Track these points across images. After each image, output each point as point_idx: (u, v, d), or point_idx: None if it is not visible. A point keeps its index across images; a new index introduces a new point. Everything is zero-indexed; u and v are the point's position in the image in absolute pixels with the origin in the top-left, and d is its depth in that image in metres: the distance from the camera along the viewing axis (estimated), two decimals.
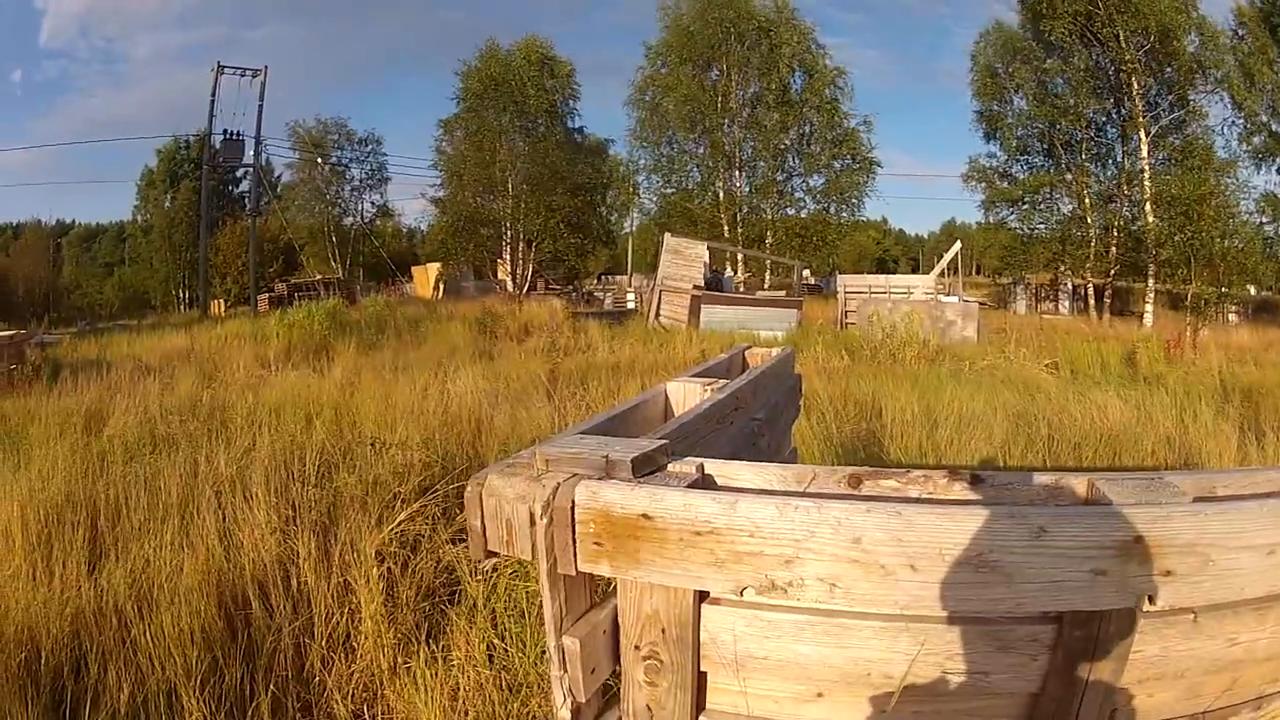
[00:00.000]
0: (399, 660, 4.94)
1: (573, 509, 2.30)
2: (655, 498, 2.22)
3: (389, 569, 5.66)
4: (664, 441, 2.64)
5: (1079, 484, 2.56)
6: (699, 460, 2.61)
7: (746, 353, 5.52)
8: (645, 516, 2.21)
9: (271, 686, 4.69)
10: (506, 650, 4.94)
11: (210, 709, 4.48)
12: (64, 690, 4.62)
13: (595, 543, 2.29)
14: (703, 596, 2.31)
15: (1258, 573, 2.11)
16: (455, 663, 4.85)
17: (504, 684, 4.72)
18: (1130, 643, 2.14)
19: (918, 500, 2.66)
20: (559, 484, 2.35)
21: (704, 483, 2.52)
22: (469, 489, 2.53)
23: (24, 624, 4.94)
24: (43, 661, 4.71)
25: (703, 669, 2.39)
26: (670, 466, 2.54)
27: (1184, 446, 9.92)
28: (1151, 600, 2.05)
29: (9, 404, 13.89)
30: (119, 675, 4.65)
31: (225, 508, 6.43)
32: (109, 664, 4.74)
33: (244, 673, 4.79)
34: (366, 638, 5.07)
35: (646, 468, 2.45)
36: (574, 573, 2.37)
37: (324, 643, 5.08)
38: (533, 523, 2.38)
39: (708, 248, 39.36)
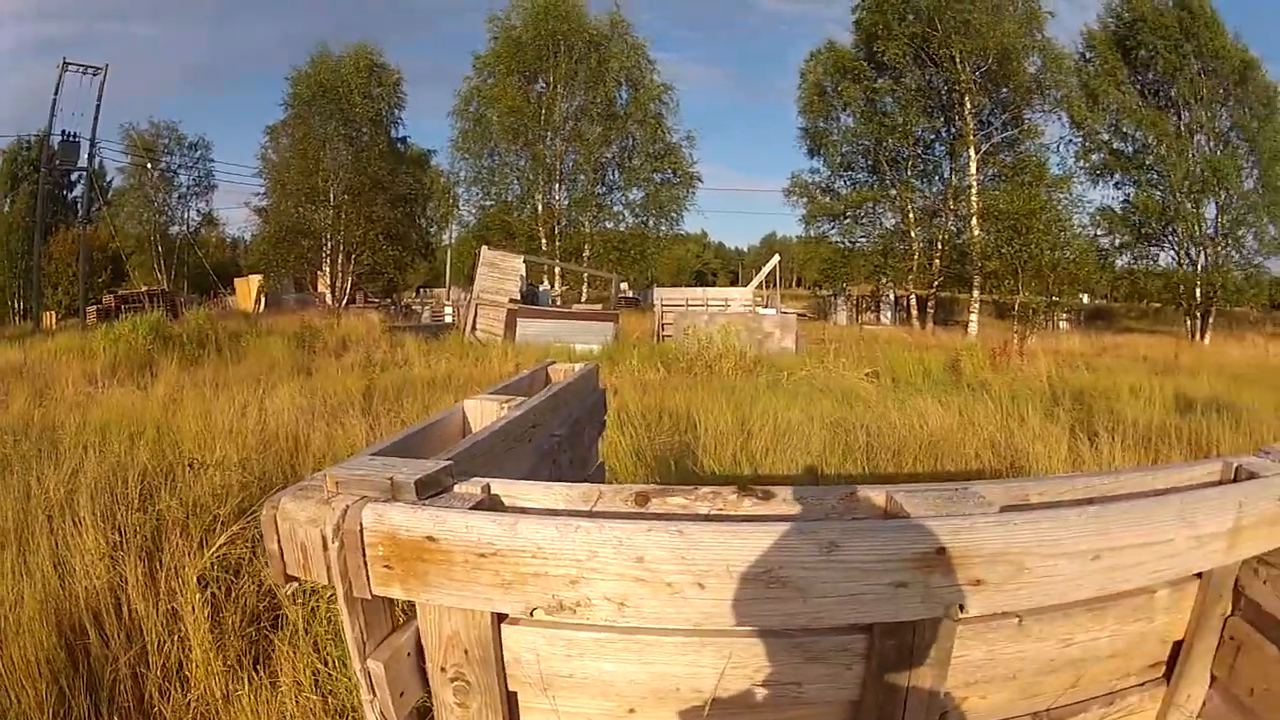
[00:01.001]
0: (231, 689, 4.91)
1: (361, 532, 2.32)
2: (438, 520, 2.25)
3: (213, 594, 5.62)
4: (449, 462, 2.69)
5: (878, 496, 2.62)
6: (485, 480, 2.67)
7: (550, 369, 5.58)
8: (430, 539, 2.24)
9: (116, 718, 4.71)
10: (330, 675, 4.96)
11: None
12: None
13: (385, 565, 2.31)
14: (502, 617, 2.35)
15: (1083, 576, 2.21)
16: (283, 688, 4.85)
17: (331, 709, 4.75)
18: (949, 648, 2.23)
19: (706, 517, 2.72)
20: (347, 507, 2.36)
21: (490, 503, 2.58)
22: (265, 512, 2.50)
23: None
24: None
25: (512, 689, 2.44)
26: (457, 488, 2.59)
27: (1009, 449, 10.19)
28: (962, 609, 2.12)
29: None
30: None
31: (57, 533, 6.38)
32: None
33: (89, 705, 4.75)
34: (198, 666, 5.03)
35: (431, 489, 2.50)
36: (369, 596, 2.38)
37: (159, 672, 5.04)
38: (325, 547, 2.37)
39: (525, 261, 39.29)
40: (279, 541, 2.45)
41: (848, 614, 2.11)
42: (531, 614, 2.24)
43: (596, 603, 2.16)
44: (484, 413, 4.13)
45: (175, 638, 5.21)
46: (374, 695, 2.48)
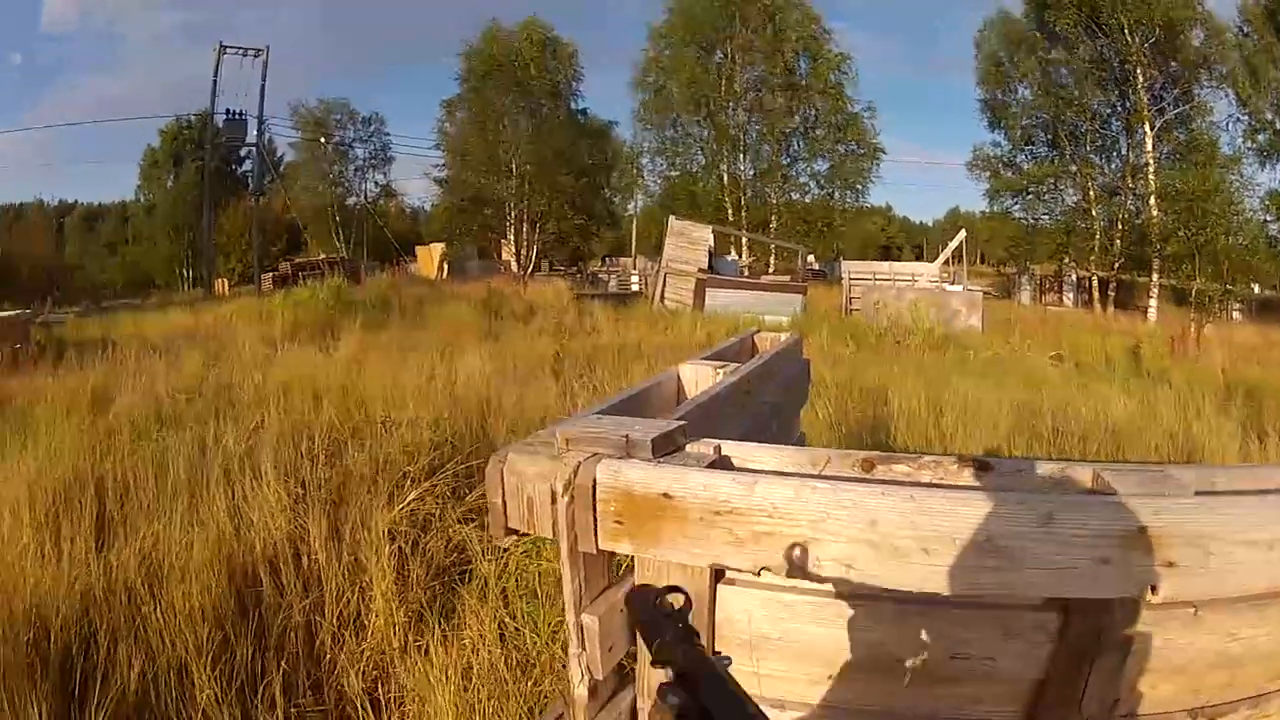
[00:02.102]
0: (410, 639, 4.94)
1: (594, 487, 2.28)
2: (676, 477, 2.21)
3: (399, 548, 5.68)
4: (683, 422, 2.63)
5: (1084, 474, 2.54)
6: (716, 441, 2.61)
7: (755, 337, 5.49)
8: (666, 496, 2.20)
9: (283, 664, 4.71)
10: (518, 629, 4.97)
11: (221, 686, 4.48)
12: (73, 668, 4.61)
13: (616, 521, 2.28)
14: (719, 576, 2.32)
15: (1257, 567, 2.10)
16: (467, 641, 4.86)
17: (515, 663, 4.73)
18: (1133, 633, 2.15)
19: (930, 485, 2.66)
20: (580, 463, 2.33)
21: (722, 463, 2.52)
22: (490, 467, 2.51)
23: (32, 602, 4.94)
24: (51, 640, 4.70)
25: (717, 649, 2.34)
26: (689, 447, 2.54)
27: (1187, 443, 9.97)
28: (1154, 590, 2.03)
29: (14, 384, 13.82)
30: (129, 652, 4.66)
31: (235, 486, 6.46)
32: (119, 642, 4.76)
33: (255, 650, 4.79)
34: (378, 616, 5.08)
35: (666, 448, 2.45)
36: (594, 551, 2.35)
37: (335, 621, 5.10)
38: (554, 501, 2.36)
39: (712, 231, 39.31)
40: (503, 495, 2.49)
41: (1054, 586, 2.06)
42: (759, 572, 2.19)
43: (825, 563, 2.11)
44: (699, 377, 4.12)
45: (356, 588, 5.31)
46: (583, 648, 2.45)
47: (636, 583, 2.38)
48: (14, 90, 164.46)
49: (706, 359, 4.35)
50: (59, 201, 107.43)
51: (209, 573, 5.22)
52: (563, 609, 2.48)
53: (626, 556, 2.42)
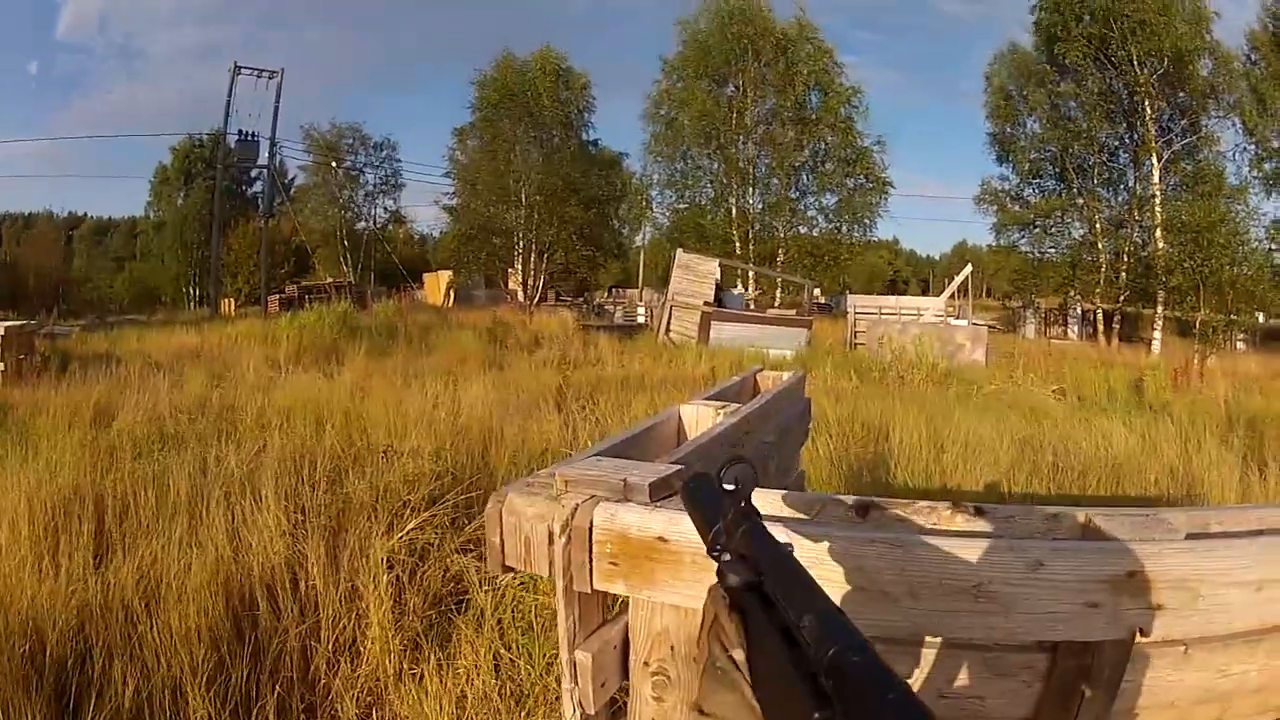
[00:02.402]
0: (405, 666, 4.98)
1: (591, 529, 2.35)
2: (671, 521, 2.26)
3: (397, 576, 5.71)
4: (680, 467, 2.67)
5: (1077, 518, 2.64)
6: None
7: (758, 375, 5.54)
8: (661, 539, 2.26)
9: (277, 688, 4.73)
10: (513, 661, 5.00)
11: (215, 707, 4.50)
12: (68, 682, 4.63)
13: (611, 562, 2.34)
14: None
15: (1247, 607, 2.15)
16: (461, 671, 4.89)
17: (509, 693, 4.76)
18: (1122, 672, 2.16)
19: (922, 531, 2.71)
20: (578, 505, 2.40)
21: None
22: (490, 506, 2.57)
23: (29, 614, 4.97)
24: (47, 653, 4.73)
25: None
26: None
27: (1187, 477, 9.97)
28: (1143, 633, 2.08)
29: (17, 394, 13.93)
30: (124, 670, 4.68)
31: (234, 508, 6.48)
32: (114, 658, 4.78)
33: (250, 672, 4.81)
34: (373, 642, 5.11)
35: (663, 491, 2.48)
36: (589, 590, 2.41)
37: (330, 646, 5.12)
38: (551, 541, 2.42)
39: (719, 264, 39.44)
40: (501, 534, 2.56)
41: (1043, 630, 2.11)
42: None
43: None
44: (699, 418, 4.16)
45: (353, 615, 5.34)
46: (575, 684, 2.50)
47: (630, 622, 2.42)
48: (29, 100, 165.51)
49: (708, 399, 4.39)
50: (68, 214, 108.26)
51: (206, 594, 5.24)
52: (557, 642, 2.52)
53: (621, 596, 2.44)
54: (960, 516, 2.78)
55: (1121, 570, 2.05)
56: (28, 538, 5.96)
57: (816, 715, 0.84)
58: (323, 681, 4.93)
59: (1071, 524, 2.65)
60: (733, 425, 3.70)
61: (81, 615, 5.11)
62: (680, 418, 4.18)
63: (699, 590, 2.00)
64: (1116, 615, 2.06)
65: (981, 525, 2.74)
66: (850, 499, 2.85)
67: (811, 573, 1.93)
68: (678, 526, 2.24)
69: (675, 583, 2.26)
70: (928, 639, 2.17)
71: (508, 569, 2.59)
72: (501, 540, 2.54)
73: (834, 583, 2.09)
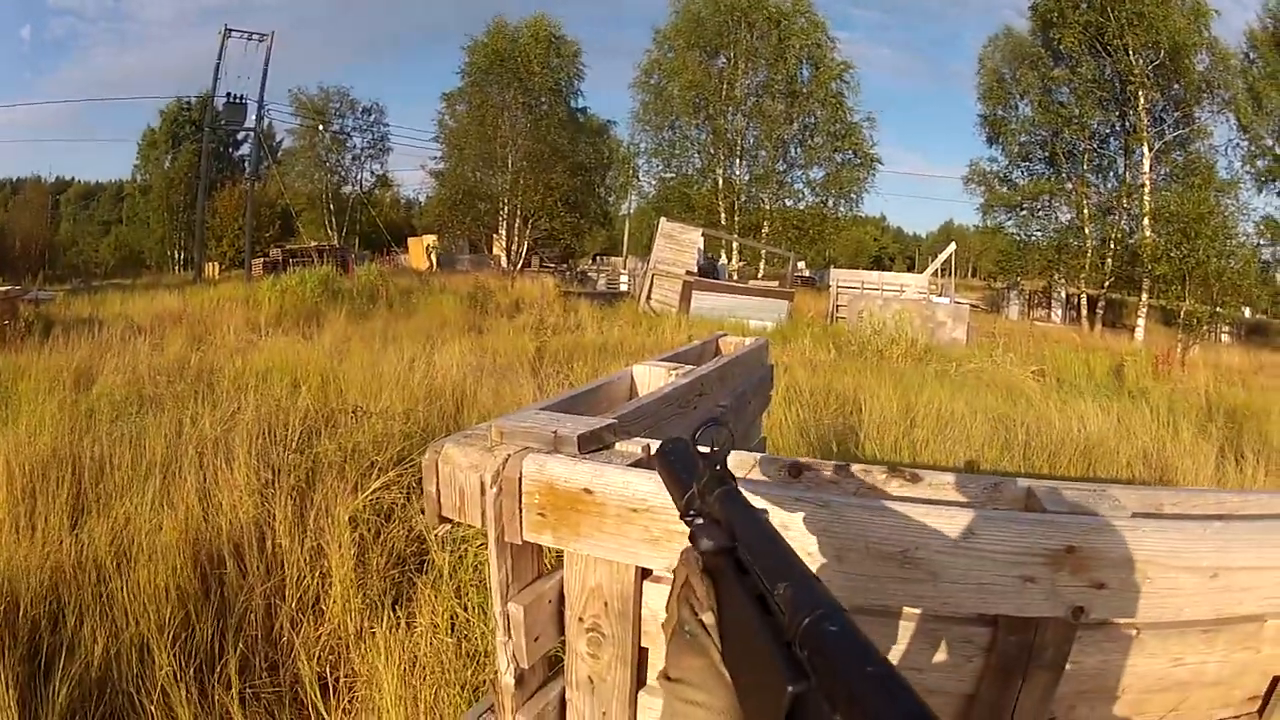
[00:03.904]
0: (366, 625, 5.03)
1: (520, 480, 2.37)
2: (596, 474, 2.29)
3: (361, 535, 5.76)
4: (613, 421, 2.73)
5: (1018, 490, 2.62)
6: (645, 441, 2.66)
7: (721, 340, 5.53)
8: (586, 491, 2.29)
9: (240, 645, 4.77)
10: (469, 620, 5.03)
11: (180, 664, 4.55)
12: (40, 641, 4.71)
13: (539, 513, 2.36)
14: (646, 573, 2.38)
15: (1200, 594, 2.12)
16: (418, 629, 4.94)
17: (464, 652, 4.80)
18: (1067, 652, 2.15)
19: (854, 494, 2.75)
20: (509, 455, 2.42)
21: (649, 463, 2.47)
22: (426, 456, 2.59)
23: (4, 575, 5.04)
24: (20, 613, 4.80)
25: (644, 645, 2.44)
26: (618, 445, 2.62)
27: (1160, 462, 9.98)
28: (1082, 611, 2.06)
29: (0, 360, 13.98)
30: (94, 628, 4.76)
31: (207, 469, 6.56)
32: (85, 617, 4.86)
33: (214, 630, 4.88)
34: (335, 601, 5.17)
35: (593, 444, 2.54)
36: (520, 541, 2.43)
37: (294, 604, 5.18)
38: (483, 491, 2.43)
39: (703, 234, 39.39)
40: (438, 484, 2.57)
41: (975, 603, 2.09)
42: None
43: None
44: (652, 378, 4.18)
45: (317, 573, 5.39)
46: (509, 637, 2.53)
47: (565, 577, 2.46)
48: (17, 63, 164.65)
49: (663, 360, 4.43)
50: (56, 178, 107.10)
51: (175, 553, 5.31)
52: None
53: (556, 551, 2.48)
54: (895, 481, 2.81)
55: (1059, 545, 2.03)
56: (5, 500, 6.06)
57: (790, 688, 0.83)
58: (285, 639, 4.98)
59: (1014, 494, 2.64)
60: (684, 386, 3.74)
61: (55, 576, 5.18)
62: (633, 378, 4.22)
63: (623, 544, 2.29)
64: (1054, 591, 2.05)
65: (918, 491, 2.77)
66: (785, 460, 2.90)
67: None
68: (602, 478, 2.28)
69: (600, 535, 2.29)
70: (860, 604, 2.13)
71: (444, 519, 2.60)
72: (437, 490, 2.57)
73: None
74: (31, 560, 5.23)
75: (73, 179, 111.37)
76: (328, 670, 4.87)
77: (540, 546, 2.53)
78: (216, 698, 4.50)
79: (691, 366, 4.26)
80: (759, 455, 2.98)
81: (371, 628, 4.95)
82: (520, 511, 2.39)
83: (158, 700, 4.37)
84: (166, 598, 4.97)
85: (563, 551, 2.44)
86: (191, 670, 4.58)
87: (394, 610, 5.18)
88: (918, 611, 2.18)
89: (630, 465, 2.40)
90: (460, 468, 2.50)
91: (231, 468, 6.47)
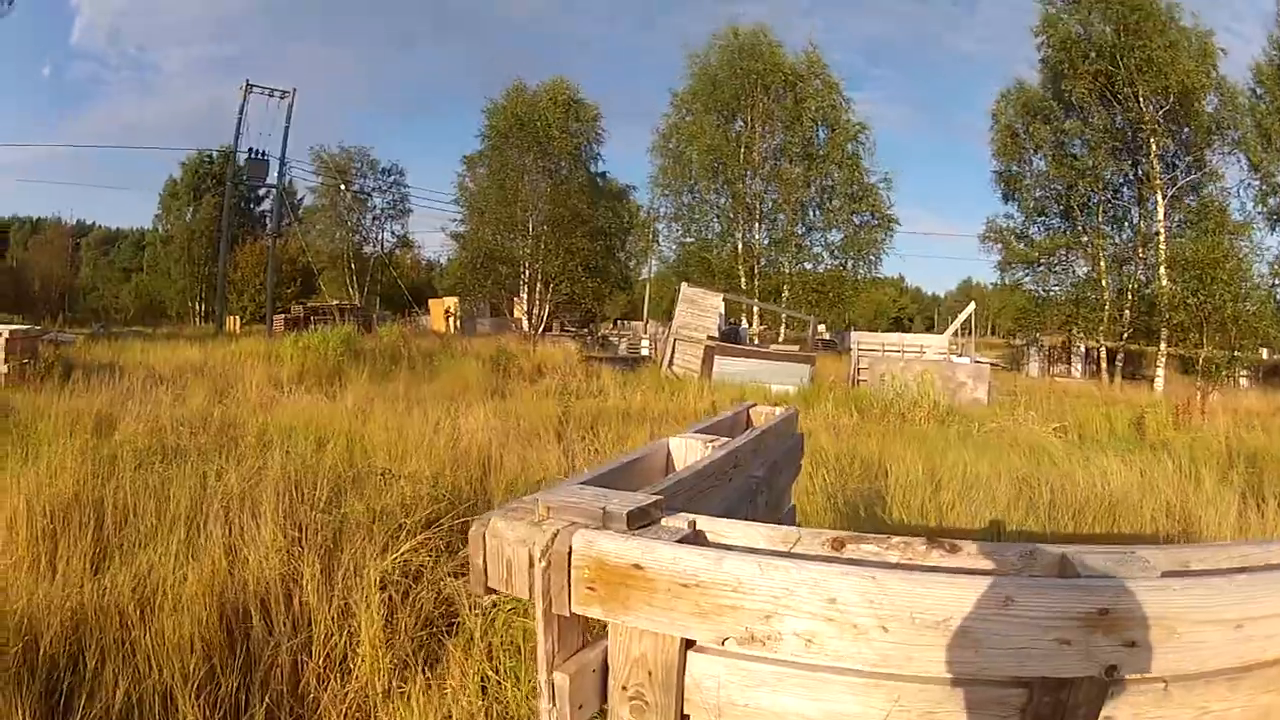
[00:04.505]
0: (394, 684, 5.00)
1: (570, 555, 2.43)
2: (647, 549, 2.35)
3: (390, 596, 5.72)
4: (659, 497, 2.78)
5: (1052, 556, 2.67)
6: (691, 516, 2.77)
7: (751, 410, 5.55)
8: (637, 566, 2.34)
9: (266, 699, 4.76)
10: (500, 683, 5.01)
11: (204, 714, 4.55)
12: (59, 682, 4.69)
13: (589, 587, 2.42)
14: (689, 644, 2.41)
15: (1226, 645, 2.17)
16: (449, 691, 4.91)
17: (495, 715, 4.80)
18: (1099, 709, 2.19)
19: (895, 565, 2.77)
20: (558, 531, 2.49)
21: (695, 538, 2.65)
22: (473, 529, 2.69)
23: (25, 614, 5.02)
24: (40, 652, 4.77)
25: (685, 711, 2.47)
26: (664, 521, 2.69)
27: (1183, 514, 9.92)
28: (1115, 670, 2.10)
29: (19, 398, 14.03)
30: (116, 673, 4.72)
31: (233, 523, 6.52)
32: (107, 661, 4.82)
33: (240, 683, 4.85)
34: (364, 660, 5.13)
35: (641, 521, 2.59)
36: (568, 614, 2.49)
37: (321, 662, 5.15)
38: (531, 565, 2.51)
39: (724, 299, 39.48)
40: (484, 557, 2.67)
41: (1013, 667, 2.13)
42: (723, 643, 2.31)
43: (786, 638, 2.23)
44: (688, 450, 4.23)
45: (345, 632, 5.35)
46: (554, 705, 2.57)
47: (610, 647, 2.51)
48: (41, 105, 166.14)
49: (699, 432, 4.45)
50: (77, 221, 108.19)
51: (200, 604, 5.28)
52: None
53: (600, 621, 2.51)
54: (935, 552, 2.85)
55: (1093, 608, 2.07)
56: (25, 539, 6.08)
57: None
58: (312, 695, 4.96)
59: (1048, 561, 2.68)
60: (719, 459, 3.75)
61: (77, 618, 5.16)
62: (669, 450, 4.24)
63: (672, 618, 2.38)
64: (1089, 652, 2.08)
65: (958, 560, 2.80)
66: (828, 533, 2.95)
67: (782, 603, 2.02)
68: (652, 555, 2.33)
69: (649, 609, 2.34)
70: (898, 673, 2.20)
71: (490, 590, 2.67)
72: (484, 562, 2.64)
73: (804, 614, 2.19)
74: (53, 600, 5.22)
75: (94, 223, 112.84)
76: None
77: (584, 617, 2.56)
78: None
79: (725, 438, 4.29)
80: (801, 530, 3.03)
81: (402, 688, 4.95)
82: (569, 585, 2.46)
83: None
84: (191, 648, 4.95)
85: (607, 622, 2.49)
86: None
87: (423, 671, 5.16)
88: (948, 676, 2.20)
89: (678, 541, 2.47)
90: (507, 541, 2.59)
91: (258, 523, 6.45)
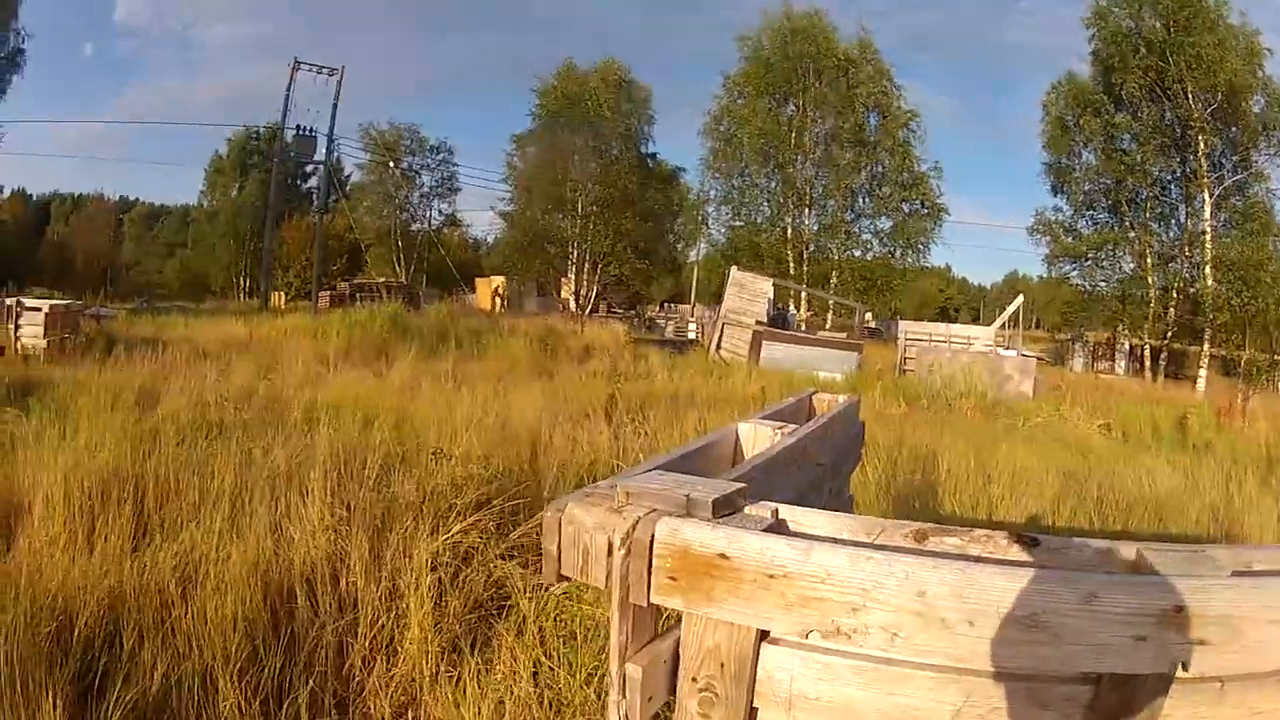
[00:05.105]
0: (442, 668, 4.95)
1: (652, 543, 2.35)
2: (734, 539, 2.27)
3: (440, 578, 5.68)
4: (743, 485, 2.68)
5: (1128, 552, 2.67)
6: (774, 505, 2.67)
7: (814, 398, 5.55)
8: (722, 556, 2.26)
9: (311, 681, 4.71)
10: (553, 670, 4.95)
11: (246, 696, 4.49)
12: (94, 662, 4.64)
13: (670, 577, 2.34)
14: (763, 635, 2.33)
15: None
16: (499, 676, 4.87)
17: (548, 702, 4.73)
18: (1161, 707, 2.17)
19: (979, 559, 2.73)
20: (640, 518, 2.42)
21: (778, 527, 2.57)
22: (548, 515, 2.61)
23: (59, 593, 4.98)
24: (74, 633, 4.73)
25: (755, 705, 2.39)
26: (747, 509, 2.60)
27: (1227, 517, 9.99)
28: (1185, 668, 2.08)
29: (59, 372, 14.15)
30: (154, 654, 4.68)
31: (279, 500, 6.49)
32: (145, 642, 4.78)
33: (283, 665, 4.81)
34: (412, 643, 5.08)
35: (725, 509, 2.50)
36: (645, 604, 2.41)
37: (367, 644, 5.11)
38: (610, 552, 2.46)
39: (773, 284, 39.49)
40: (559, 543, 2.61)
41: (1090, 662, 2.12)
42: (807, 636, 2.26)
43: (872, 631, 2.18)
44: (757, 436, 4.20)
45: (392, 614, 5.33)
46: (624, 697, 2.50)
47: (682, 637, 2.42)
48: (83, 82, 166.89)
49: (765, 418, 4.41)
50: (120, 197, 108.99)
51: (244, 584, 5.24)
52: (598, 652, 2.56)
53: (673, 611, 2.44)
54: (1015, 546, 2.81)
55: (1170, 605, 2.06)
56: (62, 515, 6.02)
57: None
58: (357, 678, 4.92)
59: (1123, 558, 2.67)
60: (791, 446, 3.71)
61: (114, 596, 5.12)
62: (738, 435, 4.20)
63: (756, 609, 2.26)
64: (1162, 649, 2.07)
65: (1037, 556, 2.77)
66: (910, 524, 2.92)
67: (870, 595, 1.99)
68: (740, 545, 2.25)
69: (733, 601, 2.26)
70: (976, 667, 2.16)
71: (563, 578, 2.62)
72: (559, 549, 2.58)
73: (892, 607, 2.13)
74: (89, 579, 5.18)
75: (137, 199, 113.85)
76: (404, 712, 4.82)
77: (659, 607, 2.50)
78: None
79: (794, 425, 4.31)
80: (886, 520, 2.99)
81: (450, 672, 4.90)
82: (649, 574, 2.38)
83: None
84: (234, 628, 4.91)
85: (679, 612, 2.42)
86: (257, 703, 4.54)
87: (472, 655, 5.09)
88: (1023, 672, 2.17)
89: (763, 530, 2.38)
90: (585, 528, 2.54)
91: (305, 501, 6.41)
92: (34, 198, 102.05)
